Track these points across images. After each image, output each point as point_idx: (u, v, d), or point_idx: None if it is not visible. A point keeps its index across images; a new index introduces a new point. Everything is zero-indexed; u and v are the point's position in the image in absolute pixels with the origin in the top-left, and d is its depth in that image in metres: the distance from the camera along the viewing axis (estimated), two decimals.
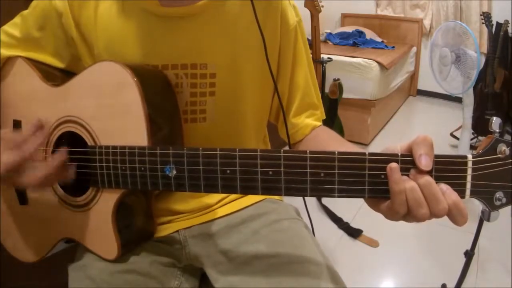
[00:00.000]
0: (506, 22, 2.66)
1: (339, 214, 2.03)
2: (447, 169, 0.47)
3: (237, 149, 0.52)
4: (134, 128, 0.60)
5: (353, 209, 2.05)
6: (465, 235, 1.55)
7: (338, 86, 2.32)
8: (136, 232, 0.69)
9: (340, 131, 2.41)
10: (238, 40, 0.69)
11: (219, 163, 0.53)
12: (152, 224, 0.72)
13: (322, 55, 2.22)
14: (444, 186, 0.46)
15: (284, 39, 0.73)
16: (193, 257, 0.73)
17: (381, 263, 1.73)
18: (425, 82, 3.90)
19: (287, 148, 0.65)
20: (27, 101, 0.71)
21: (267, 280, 0.63)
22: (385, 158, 0.47)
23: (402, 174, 0.47)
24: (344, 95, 2.43)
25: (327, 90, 2.33)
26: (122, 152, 0.60)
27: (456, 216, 0.46)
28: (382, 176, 0.48)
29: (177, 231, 0.74)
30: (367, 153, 0.48)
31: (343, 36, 3.56)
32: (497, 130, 0.46)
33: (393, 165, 0.47)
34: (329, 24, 4.10)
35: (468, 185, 0.47)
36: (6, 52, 0.72)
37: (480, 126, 2.51)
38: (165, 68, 0.68)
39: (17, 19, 0.73)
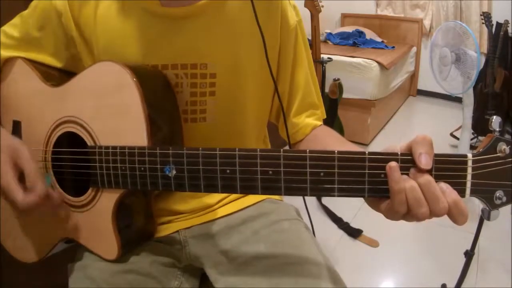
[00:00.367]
0: (506, 22, 2.66)
1: (339, 214, 2.03)
2: (447, 168, 0.47)
3: (237, 149, 0.52)
4: (134, 128, 0.60)
5: (353, 209, 2.05)
6: (465, 235, 1.55)
7: (338, 86, 2.32)
8: (136, 232, 0.69)
9: (340, 131, 2.41)
10: (238, 40, 0.69)
11: (219, 163, 0.53)
12: (152, 224, 0.72)
13: (322, 55, 2.22)
14: (444, 185, 0.46)
15: (284, 39, 0.73)
16: (193, 257, 0.73)
17: (381, 263, 1.73)
18: (425, 82, 3.91)
19: (287, 148, 0.65)
20: (27, 101, 0.71)
21: (267, 280, 0.63)
22: (385, 158, 0.47)
23: (402, 174, 0.47)
24: (344, 95, 2.43)
25: (327, 90, 2.33)
26: (122, 152, 0.60)
27: (456, 215, 0.46)
28: (382, 176, 0.48)
29: (177, 231, 0.74)
30: (367, 152, 0.48)
31: (343, 36, 3.56)
32: (497, 129, 0.46)
33: (393, 164, 0.47)
34: (329, 24, 4.10)
35: (468, 184, 0.47)
36: (5, 53, 0.72)
37: (480, 126, 2.51)
38: (165, 68, 0.68)
39: (16, 20, 0.73)
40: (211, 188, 0.55)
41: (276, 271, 0.64)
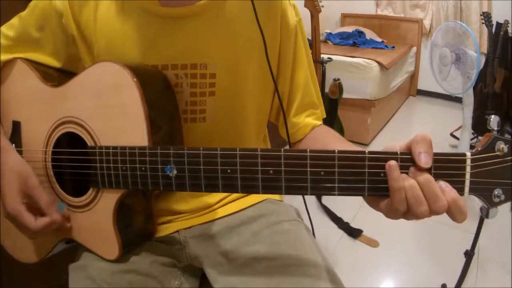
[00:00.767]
0: (506, 22, 2.66)
1: (339, 214, 2.03)
2: (446, 167, 0.47)
3: (238, 149, 0.52)
4: (134, 128, 0.60)
5: (353, 209, 2.05)
6: (465, 235, 1.55)
7: (338, 86, 2.32)
8: (136, 232, 0.69)
9: (340, 131, 2.41)
10: (238, 40, 0.70)
11: (219, 163, 0.53)
12: (153, 224, 0.72)
13: (322, 55, 2.22)
14: (443, 184, 0.47)
15: (284, 39, 0.73)
16: (193, 257, 0.73)
17: (381, 263, 1.73)
18: (425, 82, 3.90)
19: (287, 147, 0.65)
20: (27, 102, 0.71)
21: (266, 281, 0.63)
22: (385, 157, 0.48)
23: (402, 172, 0.47)
24: (344, 95, 2.43)
25: (327, 90, 2.33)
26: (122, 152, 0.60)
27: (455, 213, 0.46)
28: (382, 174, 0.48)
29: (177, 231, 0.74)
30: (366, 151, 0.48)
31: (343, 36, 3.56)
32: (496, 128, 0.47)
33: (392, 162, 0.47)
34: (329, 24, 4.10)
35: (467, 183, 0.47)
36: (4, 54, 0.72)
37: (480, 126, 2.50)
38: (165, 68, 0.68)
39: (14, 20, 0.73)
40: (212, 188, 0.55)
41: (275, 272, 0.64)
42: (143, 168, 0.59)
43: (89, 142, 0.64)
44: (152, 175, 0.58)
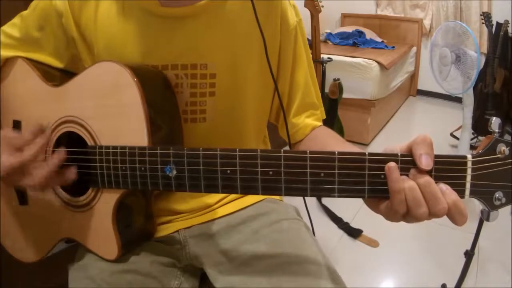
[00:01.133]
0: (506, 22, 2.66)
1: (339, 214, 2.03)
2: (447, 169, 0.47)
3: (237, 149, 0.52)
4: (134, 128, 0.60)
5: (353, 209, 2.05)
6: (465, 235, 1.55)
7: (338, 86, 2.32)
8: (136, 232, 0.69)
9: (340, 131, 2.41)
10: (238, 40, 0.69)
11: (219, 163, 0.53)
12: (152, 224, 0.72)
13: (322, 55, 2.22)
14: (443, 186, 0.46)
15: (284, 39, 0.73)
16: (193, 257, 0.73)
17: (381, 263, 1.73)
18: (425, 82, 3.90)
19: (287, 148, 0.65)
20: (27, 101, 0.71)
21: (267, 280, 0.63)
22: (385, 158, 0.47)
23: (402, 174, 0.47)
24: (344, 95, 2.43)
25: (327, 90, 2.33)
26: (122, 152, 0.60)
27: (456, 216, 0.46)
28: (382, 176, 0.48)
29: (177, 231, 0.74)
30: (367, 153, 0.48)
31: (343, 36, 3.56)
32: (497, 130, 0.46)
33: (391, 164, 0.47)
34: (329, 24, 4.09)
35: (468, 185, 0.47)
36: (5, 53, 0.72)
37: (480, 126, 2.50)
38: (165, 68, 0.68)
39: (16, 20, 0.73)
40: (211, 188, 0.55)
41: (276, 271, 0.64)
42: (142, 168, 0.59)
43: (89, 142, 0.64)
44: (151, 175, 0.58)
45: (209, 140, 0.72)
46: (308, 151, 0.49)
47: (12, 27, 0.73)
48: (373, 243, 1.84)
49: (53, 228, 0.71)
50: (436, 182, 0.46)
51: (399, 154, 0.48)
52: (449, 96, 2.49)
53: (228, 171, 0.53)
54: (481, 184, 0.46)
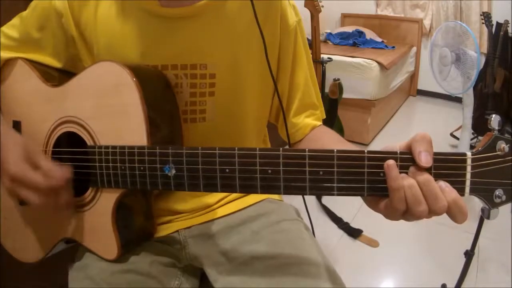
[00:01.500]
0: (506, 22, 2.66)
1: (339, 214, 2.03)
2: (446, 167, 0.47)
3: (236, 148, 0.52)
4: (134, 128, 0.60)
5: (353, 209, 2.05)
6: (465, 235, 1.55)
7: (338, 86, 2.32)
8: (136, 232, 0.69)
9: (340, 131, 2.41)
10: (238, 40, 0.69)
11: (218, 162, 0.53)
12: (152, 224, 0.72)
13: (322, 55, 2.22)
14: (443, 184, 0.46)
15: (284, 39, 0.73)
16: (193, 257, 0.73)
17: (381, 263, 1.73)
18: (425, 82, 3.90)
19: (287, 147, 0.65)
20: (27, 101, 0.71)
21: (266, 280, 0.63)
22: (384, 156, 0.47)
23: (401, 172, 0.47)
24: (344, 95, 2.43)
25: (327, 90, 2.33)
26: (121, 152, 0.60)
27: (455, 214, 0.46)
28: (381, 174, 0.47)
29: (177, 231, 0.74)
30: (366, 151, 0.48)
31: (343, 36, 3.56)
32: (496, 128, 0.46)
33: (390, 162, 0.47)
34: (329, 24, 4.10)
35: (468, 183, 0.46)
36: (5, 54, 0.72)
37: (480, 126, 2.50)
38: (164, 69, 0.68)
39: (15, 20, 0.73)
40: (210, 188, 0.55)
41: (275, 271, 0.64)
42: (141, 168, 0.59)
43: (89, 142, 0.64)
44: (150, 175, 0.58)
45: (209, 140, 0.72)
46: (307, 149, 0.49)
47: (12, 28, 0.73)
48: (373, 243, 1.83)
49: (53, 228, 0.71)
50: (435, 180, 0.46)
51: (398, 152, 0.47)
52: (449, 96, 2.49)
53: (227, 170, 0.53)
54: (481, 182, 0.46)
